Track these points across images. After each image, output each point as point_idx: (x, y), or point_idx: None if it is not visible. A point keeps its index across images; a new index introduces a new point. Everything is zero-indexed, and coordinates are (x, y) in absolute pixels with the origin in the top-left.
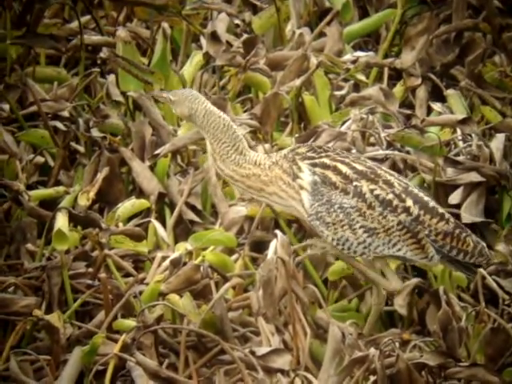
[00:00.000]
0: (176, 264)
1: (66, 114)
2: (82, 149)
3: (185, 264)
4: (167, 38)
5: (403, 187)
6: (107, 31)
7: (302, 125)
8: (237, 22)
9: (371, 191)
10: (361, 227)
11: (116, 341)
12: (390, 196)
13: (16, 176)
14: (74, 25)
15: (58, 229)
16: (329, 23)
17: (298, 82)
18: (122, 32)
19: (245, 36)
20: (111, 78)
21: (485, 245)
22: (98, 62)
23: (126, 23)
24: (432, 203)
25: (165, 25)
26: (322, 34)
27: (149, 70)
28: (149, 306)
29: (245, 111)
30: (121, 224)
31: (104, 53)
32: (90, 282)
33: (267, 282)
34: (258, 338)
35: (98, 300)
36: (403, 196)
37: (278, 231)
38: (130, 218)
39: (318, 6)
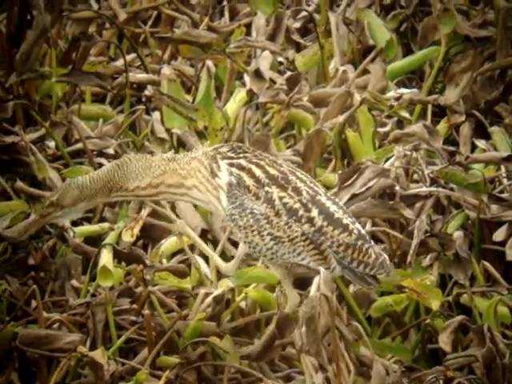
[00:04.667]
0: (219, 301)
1: (111, 151)
2: None
3: (228, 301)
4: (211, 76)
5: (311, 195)
6: (152, 69)
7: (346, 161)
8: (280, 59)
9: (280, 198)
10: (268, 234)
11: (159, 377)
12: (297, 205)
13: None
14: (120, 63)
15: (102, 265)
16: (372, 60)
17: (341, 118)
18: (166, 70)
19: (288, 73)
20: (156, 115)
21: (387, 257)
22: (143, 99)
23: (171, 61)
24: (338, 214)
25: (209, 63)
26: (365, 72)
27: (193, 107)
28: (192, 343)
29: (288, 147)
30: (164, 260)
31: (149, 90)
32: (134, 318)
33: (310, 318)
34: (300, 376)
35: (141, 337)
36: (309, 206)
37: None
38: (173, 255)
39: (362, 44)
